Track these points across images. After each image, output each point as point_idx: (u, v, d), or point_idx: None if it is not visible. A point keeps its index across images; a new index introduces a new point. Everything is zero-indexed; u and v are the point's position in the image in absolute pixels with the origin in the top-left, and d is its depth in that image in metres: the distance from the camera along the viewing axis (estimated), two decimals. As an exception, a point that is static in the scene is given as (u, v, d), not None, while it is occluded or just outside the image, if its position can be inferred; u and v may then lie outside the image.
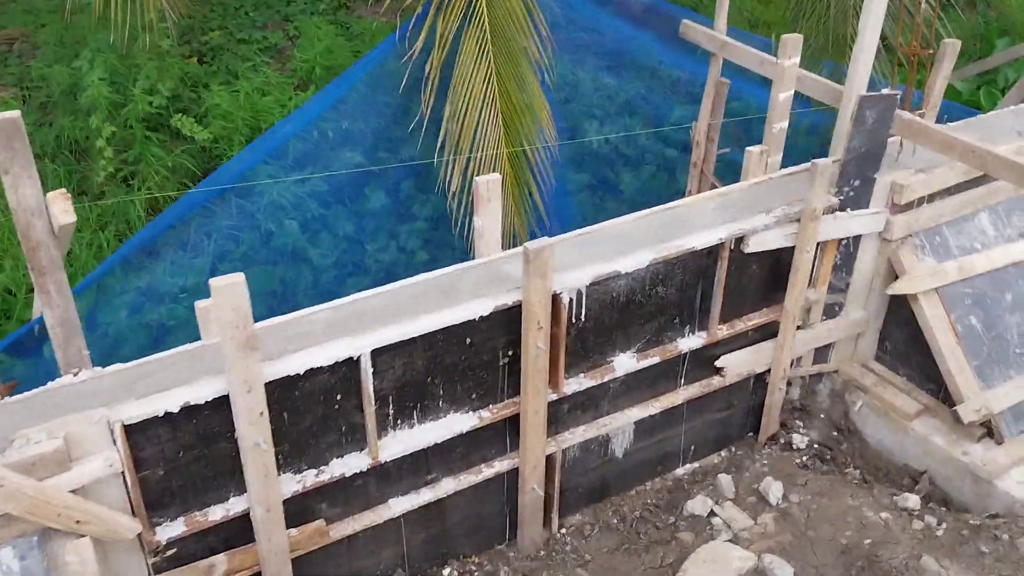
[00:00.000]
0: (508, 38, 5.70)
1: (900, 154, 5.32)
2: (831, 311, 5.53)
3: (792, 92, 5.11)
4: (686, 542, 4.80)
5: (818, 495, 4.99)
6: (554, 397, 4.54)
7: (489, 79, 5.53)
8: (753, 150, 5.13)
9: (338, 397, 3.89)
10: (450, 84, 5.46)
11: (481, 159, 5.53)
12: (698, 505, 5.01)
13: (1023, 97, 6.63)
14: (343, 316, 3.76)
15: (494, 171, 5.61)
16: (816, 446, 5.58)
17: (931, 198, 5.42)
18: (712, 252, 4.75)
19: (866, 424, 5.67)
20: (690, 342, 4.97)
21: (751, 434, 5.69)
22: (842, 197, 5.09)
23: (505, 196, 5.77)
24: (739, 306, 5.10)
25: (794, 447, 5.54)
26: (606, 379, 4.70)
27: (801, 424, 5.69)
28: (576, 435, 4.81)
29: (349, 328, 3.79)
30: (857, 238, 5.31)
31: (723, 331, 5.06)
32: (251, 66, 7.56)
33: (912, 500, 4.96)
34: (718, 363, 5.17)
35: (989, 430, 5.25)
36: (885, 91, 4.89)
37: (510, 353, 4.30)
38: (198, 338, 3.58)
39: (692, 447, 5.46)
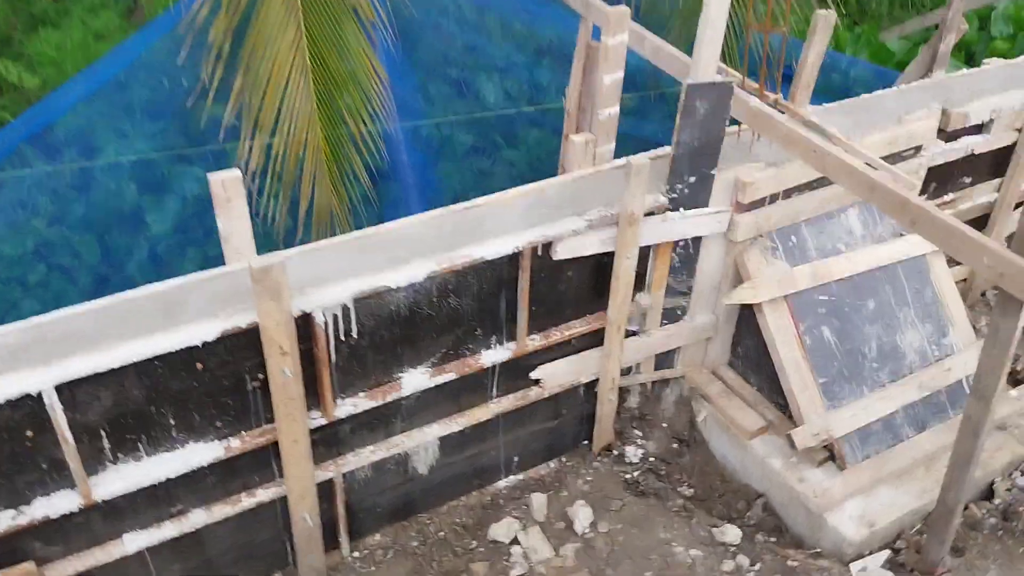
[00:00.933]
0: (326, -5, 5.03)
1: (753, 145, 4.74)
2: (672, 315, 5.02)
3: (620, 75, 4.48)
4: (481, 573, 4.40)
5: (630, 524, 4.57)
6: (323, 422, 4.06)
7: (298, 44, 4.88)
8: (577, 139, 4.54)
9: (29, 434, 3.39)
10: (241, 50, 4.79)
11: (290, 134, 4.92)
12: (502, 530, 4.59)
13: (924, 71, 6.00)
14: (22, 342, 3.24)
15: (306, 148, 5.02)
16: (652, 459, 5.14)
17: (788, 193, 4.86)
18: (514, 259, 4.21)
19: (711, 436, 5.23)
20: (496, 355, 4.47)
21: (586, 442, 5.25)
22: (675, 195, 4.52)
23: (319, 178, 5.19)
24: (556, 315, 4.59)
25: (627, 460, 5.10)
26: (392, 398, 4.22)
27: (640, 434, 5.24)
28: (363, 457, 4.35)
29: (30, 358, 3.27)
30: (697, 239, 4.77)
31: (536, 342, 4.56)
32: (88, 7, 6.84)
33: (732, 534, 4.55)
34: (534, 375, 4.69)
35: (833, 453, 4.82)
36: (719, 79, 4.27)
37: (260, 376, 3.80)
38: None
39: (516, 458, 5.02)
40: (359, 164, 5.35)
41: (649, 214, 4.51)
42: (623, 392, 5.24)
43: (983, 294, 6.50)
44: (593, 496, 4.79)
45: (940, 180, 5.66)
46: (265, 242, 5.31)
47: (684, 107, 4.24)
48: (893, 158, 5.18)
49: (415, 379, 4.26)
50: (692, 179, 4.50)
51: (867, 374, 4.93)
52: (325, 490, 4.30)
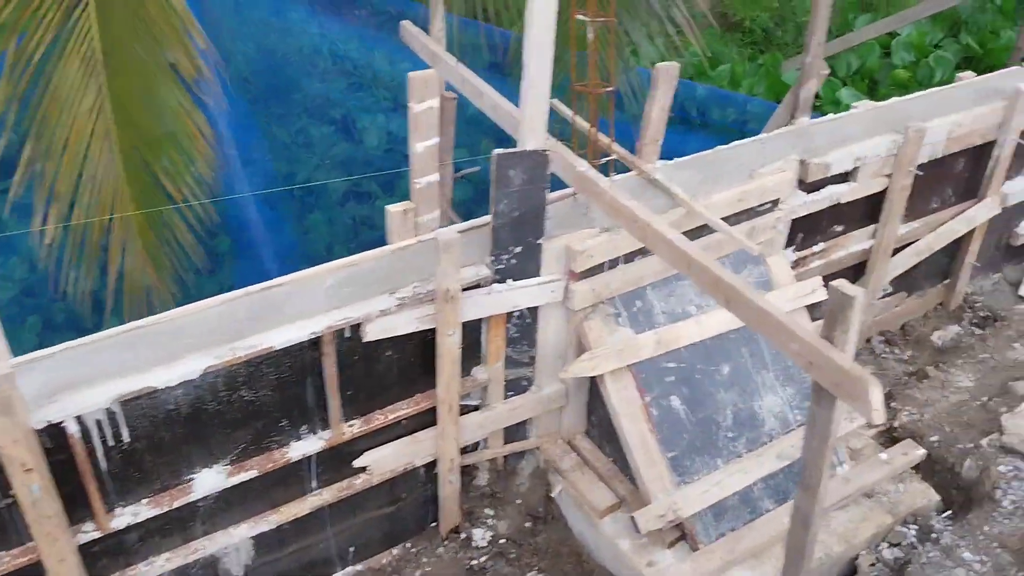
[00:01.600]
0: (135, 55, 4.65)
1: (590, 209, 4.45)
2: (518, 386, 4.70)
3: (434, 141, 4.16)
4: None
5: (462, 624, 4.23)
6: (97, 534, 3.66)
7: (99, 108, 4.50)
8: (393, 208, 4.21)
9: None
10: (33, 115, 4.40)
11: (91, 203, 4.53)
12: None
13: (791, 114, 5.76)
14: None
15: (112, 216, 4.63)
16: (502, 541, 4.79)
17: (630, 257, 4.57)
18: (316, 344, 3.86)
19: (568, 512, 4.91)
20: (309, 445, 4.10)
21: (435, 524, 4.89)
22: (501, 266, 4.20)
23: (130, 247, 4.80)
24: (378, 397, 4.25)
25: (474, 544, 4.75)
26: (183, 502, 3.83)
27: (492, 513, 4.89)
28: (157, 566, 3.94)
29: None
30: (534, 309, 4.46)
31: (356, 427, 4.20)
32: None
33: (572, 628, 4.22)
34: (358, 462, 4.32)
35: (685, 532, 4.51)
36: (533, 147, 3.96)
37: (11, 494, 3.39)
38: None
39: (352, 549, 4.65)
40: (182, 230, 4.97)
41: (474, 286, 4.19)
42: (471, 470, 4.90)
43: (868, 340, 6.27)
44: (429, 590, 4.44)
45: (807, 230, 5.41)
46: (71, 322, 4.92)
47: (497, 177, 3.92)
48: (748, 214, 4.93)
49: (209, 479, 3.88)
50: (518, 249, 4.19)
51: (722, 445, 4.64)
52: (113, 606, 3.89)
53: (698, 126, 7.76)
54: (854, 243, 5.69)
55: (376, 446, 4.36)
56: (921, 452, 4.98)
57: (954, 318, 6.52)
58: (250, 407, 3.83)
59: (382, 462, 4.39)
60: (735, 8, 10.40)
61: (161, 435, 3.65)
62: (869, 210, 5.63)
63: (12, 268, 4.80)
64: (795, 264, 5.45)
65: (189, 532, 4.00)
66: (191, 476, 3.84)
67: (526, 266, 4.26)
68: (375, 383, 4.18)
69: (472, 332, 4.36)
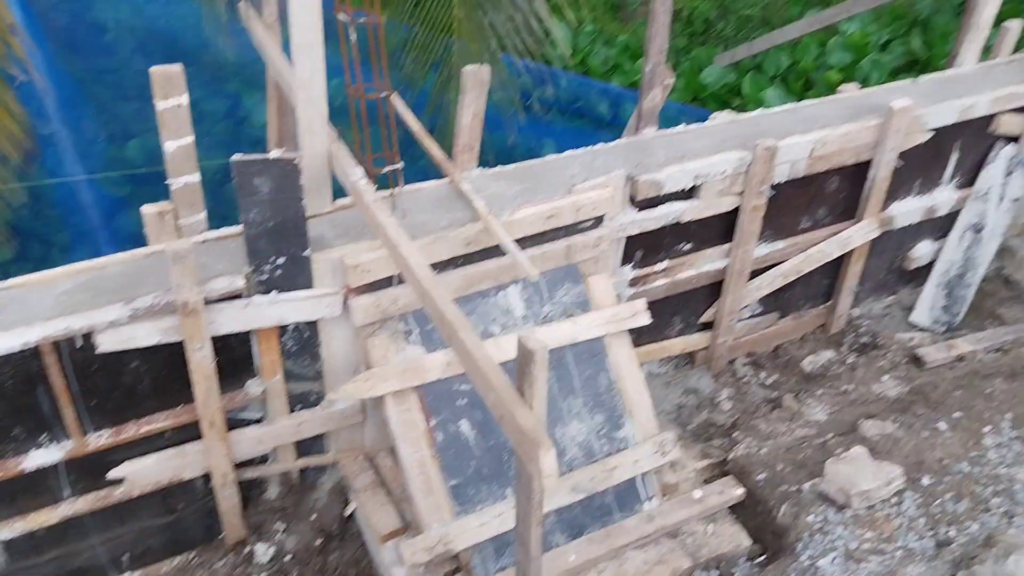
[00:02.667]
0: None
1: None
2: (307, 400, 4.48)
3: (187, 140, 3.89)
4: None
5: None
6: None
7: None
8: (150, 210, 3.97)
9: None
10: None
11: None
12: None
13: (635, 126, 5.37)
14: None
15: None
16: (287, 558, 4.61)
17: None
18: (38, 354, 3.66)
19: (365, 531, 4.71)
20: (49, 455, 3.92)
21: (222, 536, 4.70)
22: (264, 276, 3.96)
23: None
24: (131, 408, 4.05)
25: (255, 560, 4.57)
26: (-101, 510, 3.67)
27: (283, 528, 4.70)
28: None
29: None
30: (312, 323, 4.22)
31: (104, 438, 4.01)
32: None
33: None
34: (113, 474, 4.13)
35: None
36: (275, 153, 3.71)
37: None
38: None
39: (126, 556, 4.48)
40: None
41: (234, 297, 3.96)
42: (260, 483, 4.71)
43: (732, 361, 5.99)
44: (194, 606, 4.27)
45: (648, 248, 5.11)
46: None
47: (241, 185, 3.67)
48: (567, 230, 4.64)
49: (-69, 486, 3.71)
50: (280, 260, 3.95)
51: (512, 474, 4.40)
52: None
53: (577, 119, 7.44)
54: (705, 262, 5.38)
55: (136, 456, 4.17)
56: (739, 492, 4.72)
57: (833, 343, 6.21)
58: (-29, 415, 3.65)
59: (142, 473, 4.19)
60: (677, -2, 9.99)
61: None
62: (724, 229, 5.33)
63: None
64: (635, 282, 5.17)
65: (-79, 536, 3.85)
66: (-94, 485, 3.68)
67: (294, 278, 4.02)
68: (124, 394, 3.98)
69: (240, 344, 4.14)
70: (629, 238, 4.98)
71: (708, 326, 5.75)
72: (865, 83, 9.00)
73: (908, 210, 6.00)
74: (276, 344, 4.18)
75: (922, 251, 6.35)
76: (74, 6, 5.19)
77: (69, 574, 4.36)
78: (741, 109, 8.42)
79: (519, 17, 5.83)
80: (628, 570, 4.38)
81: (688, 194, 5.00)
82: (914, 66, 9.16)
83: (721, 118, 5.33)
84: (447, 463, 4.28)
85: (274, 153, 3.66)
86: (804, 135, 5.19)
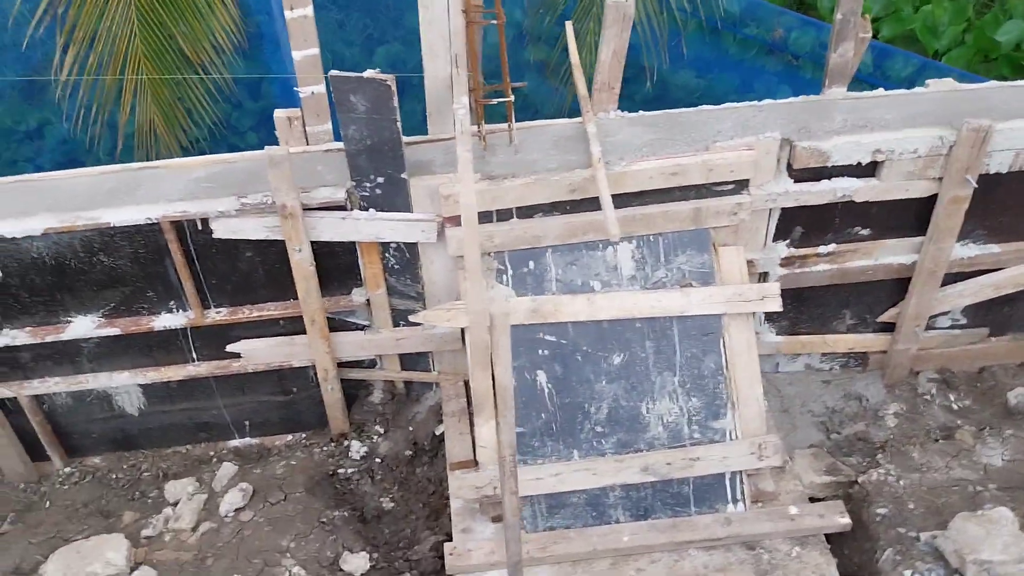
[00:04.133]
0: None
1: (487, 153, 4.12)
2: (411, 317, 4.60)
3: (313, 51, 4.00)
4: (126, 522, 4.55)
5: (268, 522, 4.41)
6: (-12, 345, 4.36)
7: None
8: (281, 115, 4.22)
9: None
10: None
11: (106, 53, 5.09)
12: (175, 488, 4.66)
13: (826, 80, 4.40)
14: None
15: (126, 63, 5.17)
16: (377, 460, 4.85)
17: (527, 213, 4.17)
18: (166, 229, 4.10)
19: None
20: (174, 319, 4.43)
21: (328, 426, 5.06)
22: (365, 193, 4.07)
23: (141, 95, 5.34)
24: (246, 292, 4.42)
25: (349, 455, 4.87)
26: (59, 338, 4.38)
27: (381, 431, 4.94)
28: (50, 385, 4.60)
29: None
30: (412, 245, 4.28)
31: (221, 315, 4.44)
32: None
33: (355, 563, 4.21)
34: (231, 347, 4.59)
35: (515, 512, 4.22)
36: (372, 73, 3.69)
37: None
38: None
39: (247, 423, 5.00)
40: (200, 92, 5.39)
41: (338, 208, 4.13)
42: (365, 385, 4.96)
43: (917, 373, 5.11)
44: (278, 481, 4.67)
45: (810, 225, 4.46)
46: (86, 159, 5.62)
47: (338, 101, 3.75)
48: (697, 190, 4.19)
49: (82, 326, 4.38)
50: (380, 180, 4.02)
51: (584, 437, 4.20)
52: (16, 406, 4.64)
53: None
54: (887, 254, 4.59)
55: (252, 337, 4.58)
56: (842, 520, 4.09)
57: (1064, 378, 5.05)
58: (112, 272, 4.22)
59: (256, 353, 4.61)
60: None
61: (32, 278, 4.19)
62: (916, 218, 4.48)
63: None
64: (788, 262, 4.56)
65: (77, 366, 4.59)
66: (66, 319, 4.37)
67: (393, 199, 4.08)
68: (241, 279, 4.35)
69: (346, 253, 4.32)
70: (785, 210, 4.38)
71: (888, 327, 4.94)
72: None
73: None
74: (378, 259, 4.31)
75: None
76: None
77: (197, 426, 4.97)
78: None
79: None
80: (684, 568, 4.02)
81: (865, 171, 4.25)
82: None
83: (939, 85, 4.41)
84: (516, 410, 4.19)
85: (369, 72, 3.68)
86: (1040, 118, 4.15)
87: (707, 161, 4.08)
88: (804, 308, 4.83)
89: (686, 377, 4.22)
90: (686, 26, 7.17)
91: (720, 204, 4.21)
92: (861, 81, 6.88)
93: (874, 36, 7.45)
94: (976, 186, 4.21)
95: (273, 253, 4.27)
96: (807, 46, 6.88)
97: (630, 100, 7.29)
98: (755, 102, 4.36)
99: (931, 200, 4.37)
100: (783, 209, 4.37)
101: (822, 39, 6.58)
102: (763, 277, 4.60)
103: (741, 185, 4.20)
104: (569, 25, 4.77)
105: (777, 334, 4.93)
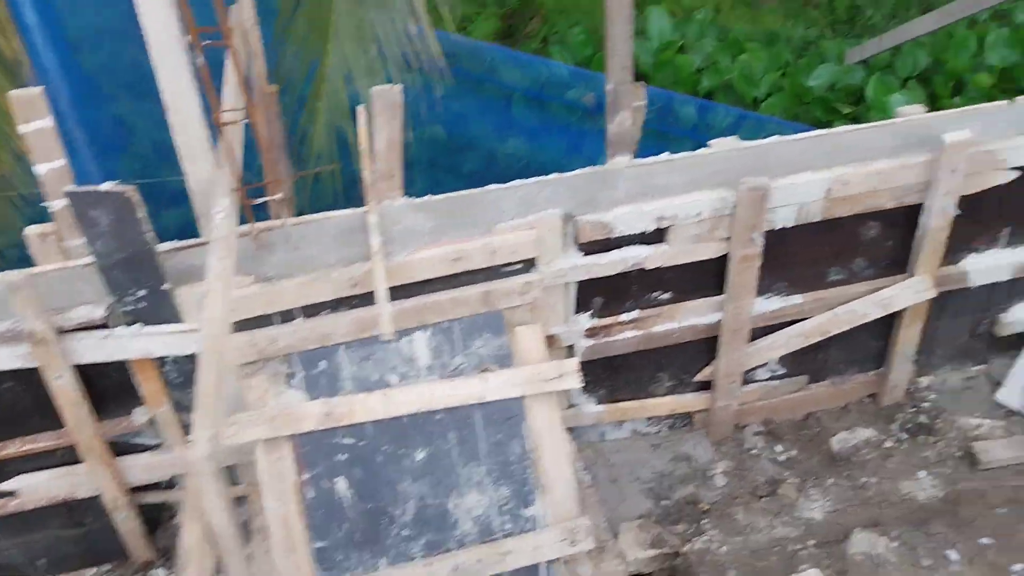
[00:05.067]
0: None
1: (264, 252, 3.90)
2: (204, 432, 4.29)
3: (60, 163, 3.74)
4: None
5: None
6: None
7: None
8: (33, 231, 3.92)
9: None
10: None
11: None
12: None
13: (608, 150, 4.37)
14: None
15: None
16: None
17: (313, 311, 3.96)
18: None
19: None
20: (-68, 463, 4.03)
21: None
22: (128, 308, 3.78)
23: None
24: (14, 424, 4.05)
25: (151, 582, 4.50)
26: None
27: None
28: None
29: None
30: (191, 355, 4.01)
31: (-12, 453, 4.06)
32: None
33: None
34: (4, 486, 4.19)
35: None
36: (110, 185, 3.46)
37: None
38: None
39: (42, 560, 4.57)
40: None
41: (100, 326, 3.83)
42: (167, 508, 4.62)
43: (742, 427, 5.09)
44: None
45: (610, 295, 4.40)
46: None
47: (78, 216, 3.49)
48: (486, 273, 4.07)
49: None
50: (141, 292, 3.75)
51: (391, 543, 3.97)
52: None
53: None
54: (690, 315, 4.56)
55: (28, 471, 4.20)
56: (660, 599, 3.98)
57: (882, 418, 5.11)
58: None
59: (34, 489, 4.22)
60: (815, -19, 8.69)
61: None
62: (714, 278, 4.48)
63: None
64: (593, 332, 4.48)
65: None
66: None
67: (159, 311, 3.81)
68: (6, 411, 3.99)
69: (119, 372, 4.02)
70: (582, 283, 4.31)
71: (708, 386, 4.91)
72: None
73: (990, 265, 4.76)
74: (156, 375, 4.02)
75: (1018, 315, 5.04)
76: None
77: (-8, 569, 4.53)
78: (856, 119, 7.17)
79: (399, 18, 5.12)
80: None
81: (653, 237, 4.23)
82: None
83: (721, 145, 4.44)
84: (316, 522, 3.93)
85: (107, 185, 3.44)
86: (817, 172, 4.22)
87: (489, 244, 3.97)
88: (620, 375, 4.76)
89: (493, 466, 4.06)
90: (512, 95, 7.22)
91: (510, 285, 4.10)
92: (684, 137, 7.01)
93: (694, 88, 7.70)
94: (762, 244, 4.24)
95: (37, 380, 3.93)
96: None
97: (456, 172, 7.30)
98: (540, 177, 4.27)
99: (724, 260, 4.38)
100: (579, 282, 4.30)
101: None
102: (570, 351, 4.51)
103: (529, 264, 4.11)
104: (361, 110, 4.63)
105: (598, 403, 4.83)
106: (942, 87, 7.51)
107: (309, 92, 5.86)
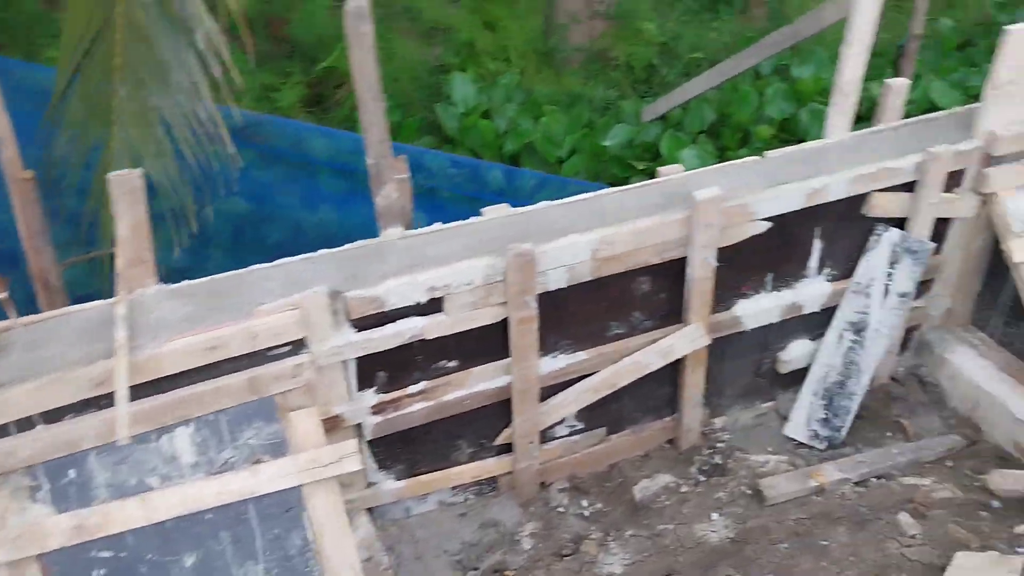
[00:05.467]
0: None
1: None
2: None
3: None
4: None
5: None
6: None
7: None
8: None
9: None
10: None
11: None
12: None
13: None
14: None
15: None
16: None
17: (56, 415, 3.68)
18: None
19: None
20: None
21: None
22: None
23: None
24: None
25: None
26: None
27: None
28: None
29: None
30: (-81, 476, 3.64)
31: None
32: None
33: None
34: None
35: None
36: None
37: None
38: None
39: None
40: None
41: None
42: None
43: (547, 485, 5.09)
44: None
45: (393, 368, 4.34)
46: None
47: None
48: (249, 359, 3.91)
49: None
50: None
51: (163, 659, 3.68)
52: None
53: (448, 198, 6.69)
54: (479, 381, 4.55)
55: None
56: None
57: (682, 462, 5.24)
58: None
59: None
60: (610, 44, 9.13)
61: None
62: (498, 342, 4.49)
63: None
64: (380, 409, 4.39)
65: None
66: None
67: None
68: None
69: None
70: (362, 359, 4.22)
71: (509, 448, 4.89)
72: (805, 138, 7.95)
73: (761, 309, 5.01)
74: None
75: (794, 352, 5.32)
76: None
77: None
78: (652, 175, 7.49)
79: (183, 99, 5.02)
80: None
81: (429, 307, 4.20)
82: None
83: (492, 212, 4.51)
84: (72, 647, 3.60)
85: None
86: (582, 235, 4.33)
87: (249, 328, 3.83)
88: (417, 448, 4.68)
89: (272, 563, 3.85)
90: (318, 165, 7.14)
91: (278, 368, 3.96)
92: (490, 200, 7.12)
93: (500, 151, 7.85)
94: (537, 307, 4.29)
95: None
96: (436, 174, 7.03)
97: (261, 245, 7.12)
98: (310, 254, 4.21)
99: (506, 323, 4.40)
100: (359, 358, 4.21)
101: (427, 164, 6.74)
102: (358, 429, 4.40)
103: (298, 345, 3.99)
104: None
105: (397, 479, 4.73)
106: (730, 139, 7.98)
107: (95, 176, 5.59)
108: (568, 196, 4.68)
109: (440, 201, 7.06)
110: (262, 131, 6.84)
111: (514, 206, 4.63)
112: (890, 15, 9.28)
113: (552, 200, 4.59)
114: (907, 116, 5.28)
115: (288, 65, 8.06)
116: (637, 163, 7.37)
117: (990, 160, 4.97)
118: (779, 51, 6.41)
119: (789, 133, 7.90)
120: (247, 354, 3.88)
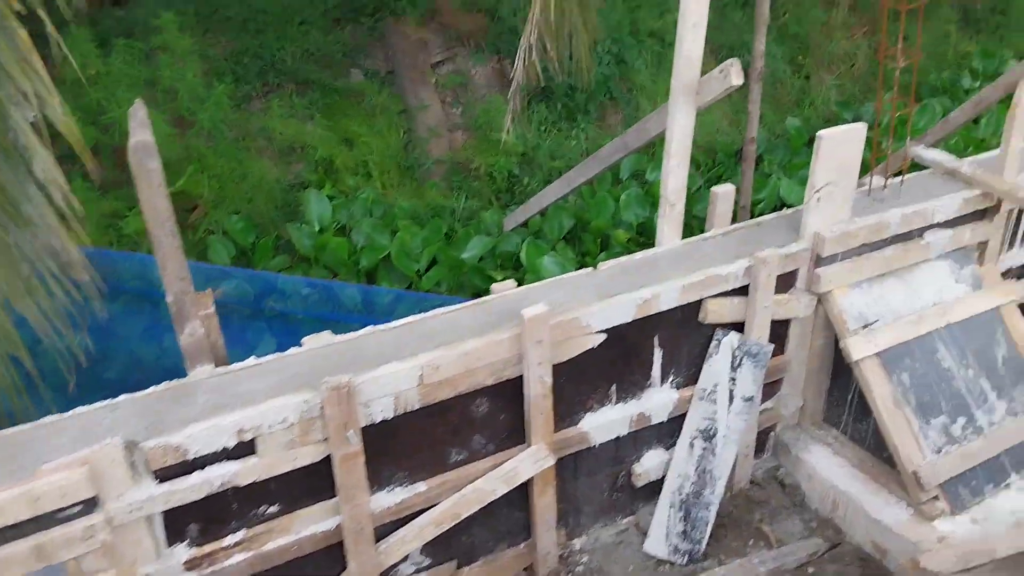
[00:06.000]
0: None
1: None
2: None
3: None
4: None
5: None
6: None
7: None
8: None
9: None
10: None
11: None
12: None
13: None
14: None
15: None
16: None
17: None
18: None
19: None
20: None
21: None
22: None
23: None
24: None
25: None
26: None
27: None
28: None
29: None
30: None
31: None
32: None
33: None
34: None
35: None
36: None
37: None
38: None
39: None
40: None
41: None
42: None
43: None
44: None
45: (205, 519, 3.99)
46: None
47: None
48: (36, 522, 3.52)
49: None
50: None
51: None
52: None
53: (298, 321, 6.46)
54: (306, 525, 4.23)
55: None
56: None
57: (542, 588, 4.98)
58: None
59: None
60: (471, 155, 9.23)
61: None
62: (323, 480, 4.20)
63: None
64: (193, 565, 4.01)
65: None
66: None
67: None
68: None
69: None
70: (168, 512, 3.87)
71: (350, 593, 4.55)
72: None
73: (608, 421, 4.90)
74: None
75: (648, 464, 5.20)
76: None
77: None
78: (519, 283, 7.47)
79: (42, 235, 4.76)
80: None
81: (241, 451, 3.92)
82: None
83: (314, 342, 4.30)
84: None
85: None
86: (406, 361, 4.15)
87: (30, 491, 3.45)
88: (243, 603, 4.29)
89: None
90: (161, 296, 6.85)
91: (69, 531, 3.56)
92: (346, 321, 6.92)
93: (356, 268, 7.70)
94: (360, 441, 4.06)
95: None
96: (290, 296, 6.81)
97: (97, 382, 6.69)
98: (111, 400, 3.89)
99: (329, 461, 4.14)
100: (165, 512, 3.86)
101: (279, 287, 6.53)
102: (161, 594, 4.00)
103: (90, 504, 3.62)
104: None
105: (223, 640, 4.30)
106: (591, 244, 8.06)
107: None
108: (426, 310, 4.53)
109: (294, 325, 6.81)
110: (102, 264, 6.55)
111: (371, 324, 4.45)
112: (740, 116, 9.75)
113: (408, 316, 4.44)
114: (759, 214, 5.39)
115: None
116: (496, 273, 7.32)
117: (820, 260, 5.08)
118: (617, 161, 6.53)
119: (647, 237, 8.03)
120: (31, 519, 3.49)
